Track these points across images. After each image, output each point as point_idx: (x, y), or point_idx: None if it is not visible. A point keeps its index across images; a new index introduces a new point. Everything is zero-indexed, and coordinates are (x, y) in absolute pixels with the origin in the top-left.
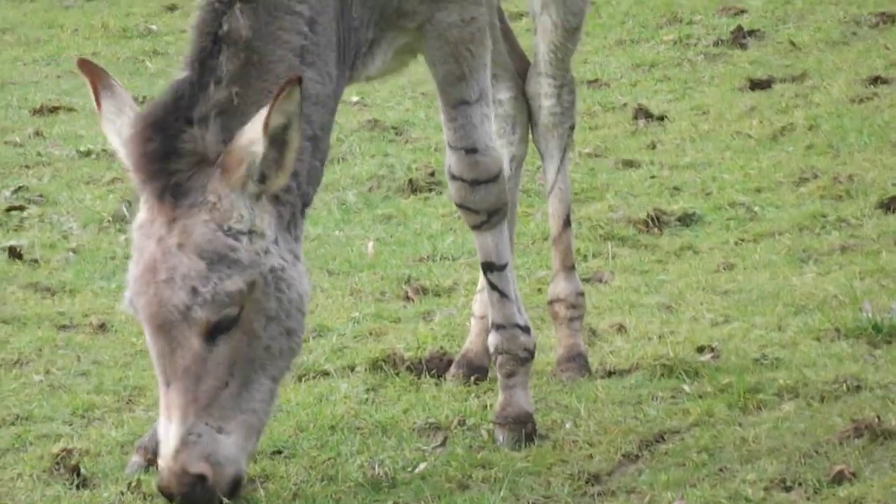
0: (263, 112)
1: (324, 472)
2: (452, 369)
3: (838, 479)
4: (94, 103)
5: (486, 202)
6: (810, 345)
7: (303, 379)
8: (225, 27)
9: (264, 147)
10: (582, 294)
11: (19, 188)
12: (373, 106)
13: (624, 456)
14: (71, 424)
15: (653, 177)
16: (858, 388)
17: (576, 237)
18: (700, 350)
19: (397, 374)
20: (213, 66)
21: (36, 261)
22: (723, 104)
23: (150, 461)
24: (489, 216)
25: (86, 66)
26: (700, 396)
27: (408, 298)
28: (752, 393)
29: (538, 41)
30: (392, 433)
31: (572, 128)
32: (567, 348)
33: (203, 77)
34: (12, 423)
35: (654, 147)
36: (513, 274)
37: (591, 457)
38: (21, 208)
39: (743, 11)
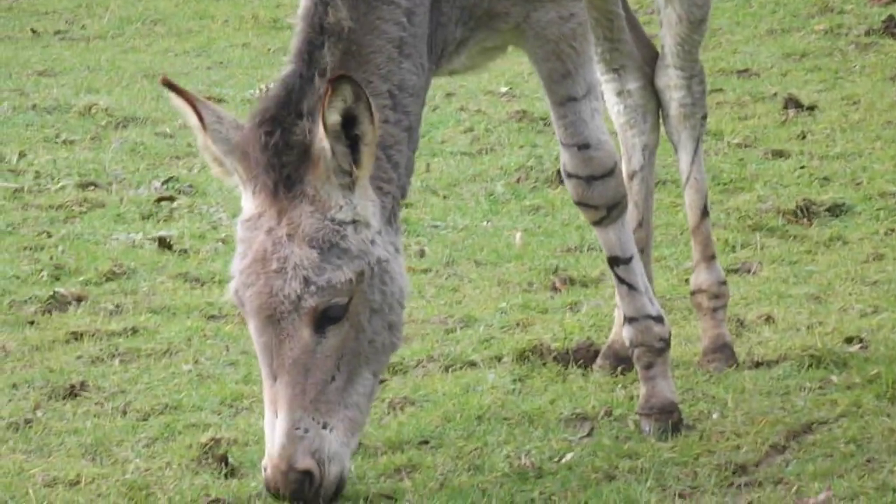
0: (330, 96)
1: (470, 462)
2: (599, 360)
3: None
4: (194, 117)
5: (605, 197)
6: None
7: (450, 369)
8: (330, 18)
9: (329, 144)
10: (724, 283)
11: (169, 179)
12: (521, 97)
13: (771, 447)
14: (219, 414)
15: (802, 167)
16: None
17: (724, 228)
18: (848, 341)
19: (544, 365)
20: (317, 58)
21: (185, 251)
22: (874, 94)
23: None
24: (609, 211)
25: (171, 85)
26: (848, 387)
27: (555, 289)
28: None
29: (664, 34)
30: (539, 423)
31: (704, 117)
32: (712, 339)
33: (310, 69)
34: (161, 413)
35: (803, 137)
36: (640, 265)
37: (738, 447)
38: (171, 199)
39: (895, 1)
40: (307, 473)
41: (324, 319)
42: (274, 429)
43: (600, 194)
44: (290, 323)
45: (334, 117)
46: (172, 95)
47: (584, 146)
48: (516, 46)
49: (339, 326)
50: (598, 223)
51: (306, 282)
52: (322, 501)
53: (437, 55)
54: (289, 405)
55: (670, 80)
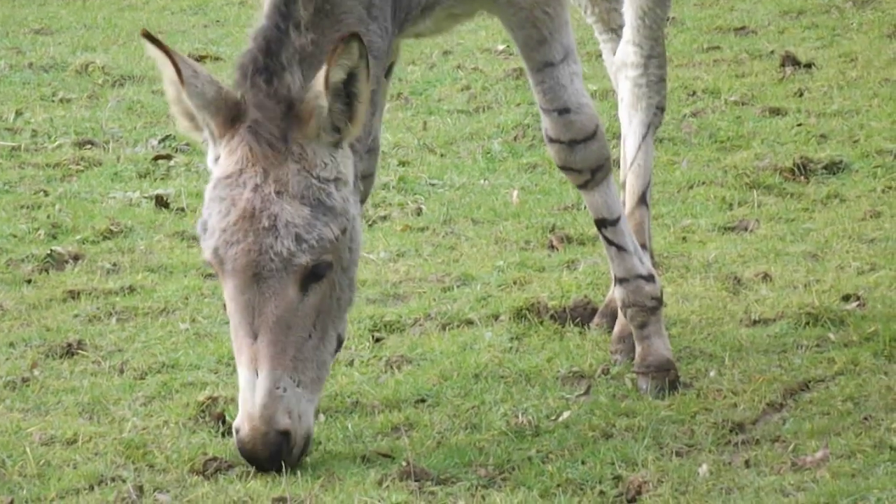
0: (324, 68)
1: (467, 421)
2: (596, 318)
3: None
4: (172, 70)
5: (588, 160)
6: None
7: (447, 327)
8: None
9: (328, 101)
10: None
11: (166, 137)
12: (518, 55)
13: (768, 405)
14: (216, 373)
15: (800, 124)
16: None
17: (721, 185)
18: (846, 298)
19: (541, 323)
20: (291, 13)
21: (182, 209)
22: (871, 51)
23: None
24: (593, 174)
25: (150, 36)
26: (845, 345)
27: (552, 247)
28: None
29: (626, 6)
30: (536, 382)
31: (661, 109)
32: (623, 326)
33: (285, 22)
34: (158, 371)
35: (801, 95)
36: (627, 226)
37: (735, 405)
38: (168, 157)
39: None
40: (285, 434)
41: (310, 277)
42: (253, 388)
43: (583, 158)
44: (277, 281)
45: (339, 75)
46: (150, 47)
47: (564, 111)
48: (489, 14)
49: (320, 284)
50: (582, 186)
51: (298, 239)
52: (292, 460)
53: (401, 19)
54: (271, 364)
55: (627, 57)
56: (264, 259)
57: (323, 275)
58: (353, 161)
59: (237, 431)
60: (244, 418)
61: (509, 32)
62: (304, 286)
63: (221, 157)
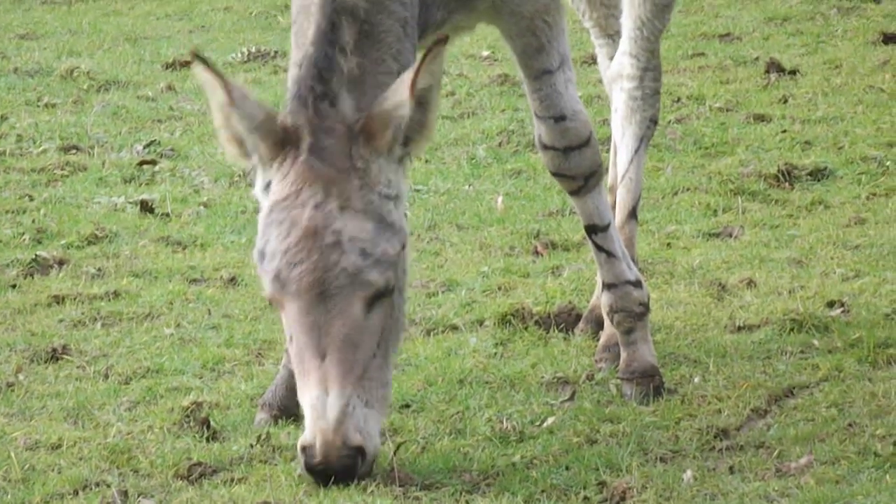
0: (408, 75)
1: (452, 426)
2: (581, 324)
3: None
4: (222, 93)
5: (581, 167)
6: None
7: (431, 333)
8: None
9: (411, 110)
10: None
11: (151, 143)
12: (503, 60)
13: (753, 411)
14: (201, 378)
15: (784, 131)
16: None
17: (706, 192)
18: (830, 305)
19: (526, 329)
20: (337, 38)
21: (167, 215)
22: (855, 58)
23: (276, 417)
24: (586, 180)
25: (201, 59)
26: (830, 351)
27: (537, 253)
28: (883, 348)
29: (625, 17)
30: (520, 387)
31: (654, 122)
32: (608, 336)
33: (332, 48)
34: (143, 376)
35: (785, 101)
36: (616, 232)
37: (719, 411)
38: (153, 162)
39: None
40: (359, 450)
41: (377, 294)
42: (325, 406)
43: (577, 165)
44: (343, 298)
45: (427, 81)
46: (200, 69)
47: (560, 118)
48: (489, 24)
49: (383, 302)
50: (575, 193)
51: (364, 254)
52: (360, 478)
53: (418, 37)
54: (341, 383)
55: (623, 68)
56: (330, 276)
57: (387, 292)
58: (406, 179)
59: (305, 449)
60: (317, 434)
61: (508, 41)
62: (370, 304)
63: (274, 182)
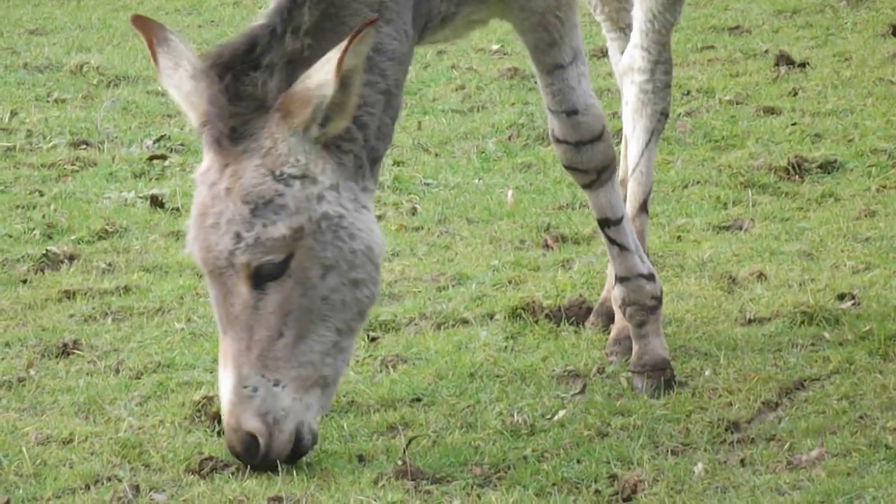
0: (334, 54)
1: (462, 420)
2: (591, 317)
3: None
4: (152, 59)
5: (594, 161)
6: None
7: (442, 327)
8: None
9: (334, 89)
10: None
11: (161, 137)
12: (513, 54)
13: (763, 403)
14: (212, 372)
15: (794, 124)
16: None
17: (716, 185)
18: (841, 297)
19: (536, 322)
20: (295, 16)
21: (177, 209)
22: (865, 50)
23: None
24: (598, 174)
25: (140, 21)
26: (840, 344)
27: (547, 246)
28: (893, 340)
29: (636, 9)
30: (531, 381)
31: (665, 115)
32: (619, 330)
33: (283, 26)
34: (154, 371)
35: (795, 94)
36: (630, 225)
37: (730, 404)
38: (163, 157)
39: None
40: (253, 436)
41: (260, 276)
42: (223, 385)
43: (590, 158)
44: (228, 279)
45: (353, 61)
46: (139, 33)
47: (572, 112)
48: (501, 19)
49: (281, 283)
50: (588, 186)
51: (237, 237)
52: (278, 460)
53: (421, 27)
54: (234, 361)
55: (634, 61)
56: (212, 257)
57: (275, 274)
58: (329, 160)
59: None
60: (223, 415)
61: (520, 36)
62: (258, 284)
63: (203, 152)
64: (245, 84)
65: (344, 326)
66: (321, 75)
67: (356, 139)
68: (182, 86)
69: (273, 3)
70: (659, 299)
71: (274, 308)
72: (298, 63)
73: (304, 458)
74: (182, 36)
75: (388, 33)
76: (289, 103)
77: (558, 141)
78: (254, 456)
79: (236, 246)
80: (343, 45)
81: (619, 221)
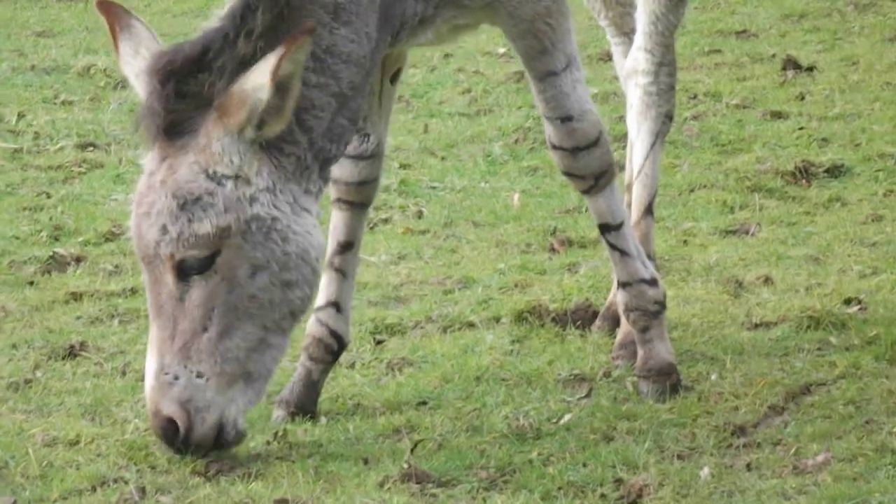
0: (271, 59)
1: (468, 423)
2: (598, 321)
3: None
4: (112, 44)
5: (591, 167)
6: None
7: (448, 330)
8: None
9: (269, 94)
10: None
11: None
12: (518, 57)
13: (770, 408)
14: None
15: (801, 128)
16: None
17: (722, 189)
18: (847, 302)
19: (542, 326)
20: (248, 20)
21: None
22: (872, 55)
23: (293, 414)
24: (596, 180)
25: (103, 6)
26: (847, 348)
27: (553, 250)
28: None
29: (639, 11)
30: (536, 384)
31: (670, 118)
32: (625, 334)
33: (236, 30)
34: None
35: (802, 98)
36: (630, 230)
37: (736, 409)
38: None
39: None
40: (172, 421)
41: (184, 269)
42: (146, 370)
43: (586, 164)
44: (156, 267)
45: (289, 68)
46: (102, 17)
47: (566, 118)
48: (490, 24)
49: (206, 278)
50: (586, 192)
51: (164, 229)
52: (198, 450)
53: (395, 28)
54: (157, 348)
55: (638, 64)
56: (142, 245)
57: (199, 268)
58: (268, 161)
59: None
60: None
61: (511, 42)
62: (183, 277)
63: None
64: (190, 85)
65: (272, 325)
66: (258, 78)
67: (299, 142)
68: (139, 75)
69: (227, 6)
70: (662, 304)
71: (198, 302)
72: (249, 65)
73: (309, 462)
74: (146, 23)
75: (343, 35)
76: (226, 104)
77: (554, 147)
78: (172, 441)
79: (161, 237)
80: (280, 50)
81: (619, 227)
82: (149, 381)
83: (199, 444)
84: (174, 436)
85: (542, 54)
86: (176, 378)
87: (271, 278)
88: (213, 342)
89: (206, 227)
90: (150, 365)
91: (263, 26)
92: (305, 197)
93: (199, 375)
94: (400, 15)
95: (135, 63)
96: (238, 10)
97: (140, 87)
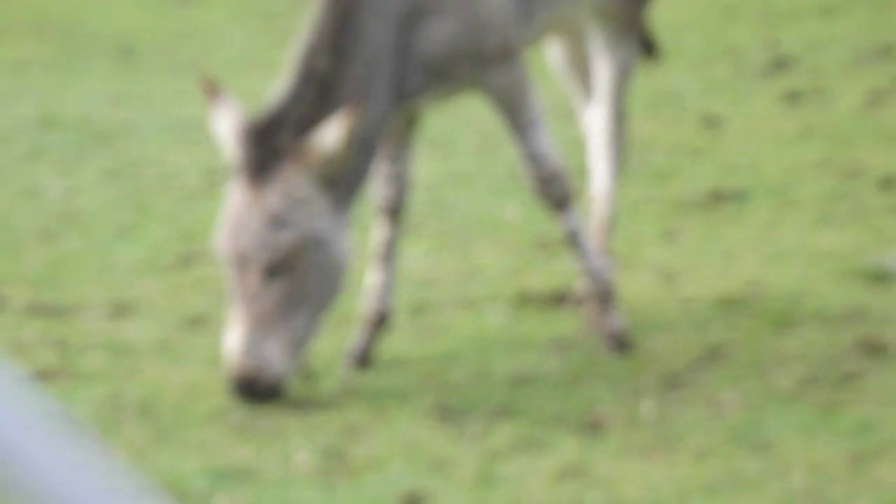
0: (346, 118)
1: (479, 371)
2: (571, 302)
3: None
4: (209, 108)
5: (551, 199)
6: None
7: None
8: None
9: (342, 147)
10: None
11: None
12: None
13: (694, 361)
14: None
15: None
16: None
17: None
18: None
19: (534, 308)
20: (305, 93)
21: None
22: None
23: (355, 365)
24: (558, 206)
25: (207, 84)
26: (748, 318)
27: (547, 248)
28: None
29: (597, 72)
30: (532, 348)
31: (622, 167)
32: (592, 310)
33: (308, 84)
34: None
35: None
36: (585, 225)
37: (669, 362)
38: None
39: None
40: (254, 370)
41: (268, 270)
42: (230, 340)
43: (547, 195)
44: (245, 268)
45: (354, 130)
46: (206, 93)
47: (535, 158)
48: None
49: (282, 275)
50: (551, 211)
51: (255, 240)
52: (262, 394)
53: (396, 102)
54: (240, 324)
55: (596, 120)
56: (232, 251)
57: (278, 270)
58: (329, 195)
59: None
60: (227, 361)
61: (486, 101)
62: (266, 276)
63: (236, 177)
64: (277, 141)
65: (317, 311)
66: (335, 134)
67: (344, 180)
68: (232, 129)
69: (289, 74)
70: (612, 287)
71: (275, 294)
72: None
73: (363, 399)
74: (235, 100)
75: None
76: (306, 150)
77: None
78: (247, 389)
79: (254, 246)
80: (350, 112)
81: (576, 233)
82: (231, 346)
83: (265, 391)
84: (248, 385)
85: (512, 112)
86: (252, 343)
87: (321, 276)
88: (281, 322)
89: (286, 238)
90: (233, 336)
91: (313, 99)
92: (343, 219)
93: (268, 342)
94: (403, 88)
95: (223, 124)
96: (297, 84)
97: (233, 139)
